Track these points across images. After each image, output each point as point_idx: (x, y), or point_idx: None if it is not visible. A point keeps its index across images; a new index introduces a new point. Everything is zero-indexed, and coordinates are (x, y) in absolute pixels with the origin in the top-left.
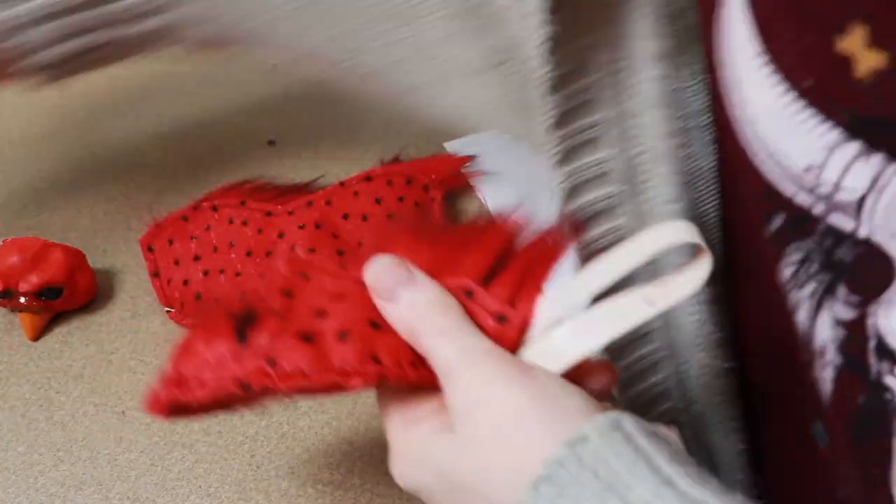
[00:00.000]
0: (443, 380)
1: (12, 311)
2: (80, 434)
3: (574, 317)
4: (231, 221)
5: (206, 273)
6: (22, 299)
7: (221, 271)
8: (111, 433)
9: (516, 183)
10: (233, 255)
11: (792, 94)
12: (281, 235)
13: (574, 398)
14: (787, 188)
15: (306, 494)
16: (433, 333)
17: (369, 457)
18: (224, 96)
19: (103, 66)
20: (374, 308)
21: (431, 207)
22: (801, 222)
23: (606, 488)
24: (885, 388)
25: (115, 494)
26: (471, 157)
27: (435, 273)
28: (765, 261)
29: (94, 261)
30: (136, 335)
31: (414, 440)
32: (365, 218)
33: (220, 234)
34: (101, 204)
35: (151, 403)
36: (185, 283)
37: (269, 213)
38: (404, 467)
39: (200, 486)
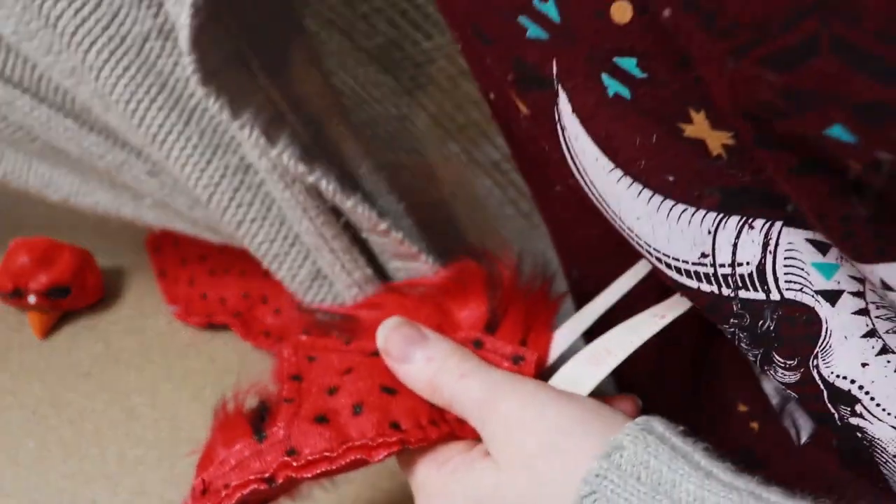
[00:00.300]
0: (476, 417)
1: (22, 310)
2: (89, 430)
3: (593, 343)
4: None
5: (211, 273)
6: (31, 298)
7: (227, 271)
8: (119, 429)
9: None
10: (238, 255)
11: (658, 197)
12: None
13: (610, 412)
14: (691, 283)
15: (308, 488)
16: (456, 379)
17: None
18: None
19: None
20: (385, 374)
21: None
22: (716, 309)
23: (652, 489)
24: (854, 428)
25: (123, 489)
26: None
27: (437, 330)
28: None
29: (102, 261)
30: (143, 334)
31: (447, 476)
32: None
33: None
34: None
35: None
36: (191, 282)
37: None
38: None
39: None
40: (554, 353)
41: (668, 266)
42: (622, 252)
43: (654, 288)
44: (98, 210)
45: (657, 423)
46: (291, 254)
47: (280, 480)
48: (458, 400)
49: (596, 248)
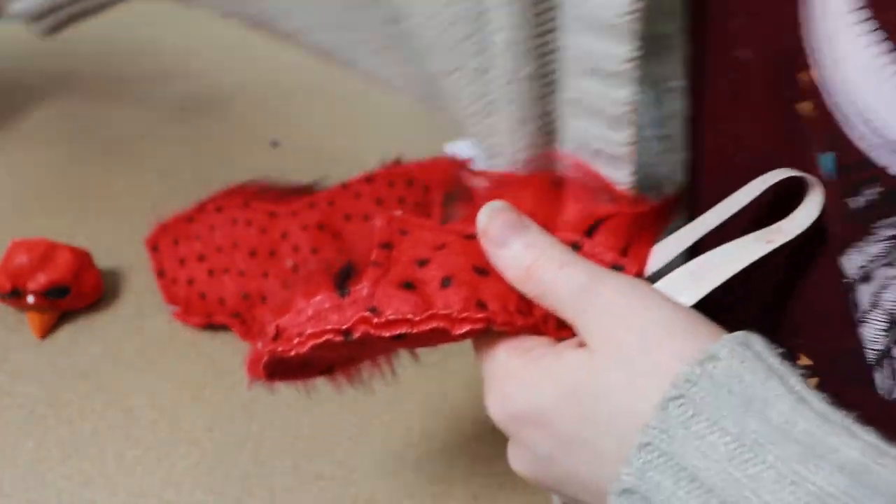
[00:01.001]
0: (572, 307)
1: (20, 310)
2: (87, 431)
3: (695, 259)
4: (235, 222)
5: (210, 273)
6: (30, 298)
7: (226, 271)
8: (118, 430)
9: None
10: (237, 255)
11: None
12: (284, 236)
13: (710, 323)
14: (883, 158)
15: (309, 490)
16: (556, 267)
17: (371, 453)
18: (228, 98)
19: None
20: (477, 255)
21: (432, 209)
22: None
23: (743, 404)
24: None
25: (121, 490)
26: (471, 159)
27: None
28: (831, 242)
29: (101, 261)
30: (141, 334)
31: (531, 363)
32: (367, 218)
33: (224, 234)
34: (108, 205)
35: (251, 363)
36: (190, 282)
37: (272, 214)
38: (513, 390)
39: (205, 482)
40: (652, 267)
41: (870, 132)
42: (779, 158)
43: (768, 209)
44: (319, 50)
45: (756, 340)
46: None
47: (357, 335)
48: (554, 289)
49: (747, 149)
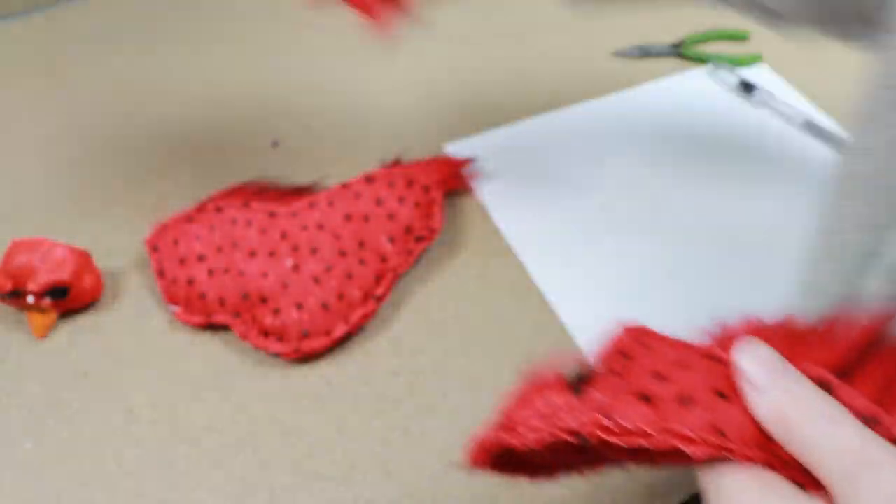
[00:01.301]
0: (839, 472)
1: (20, 310)
2: (86, 431)
3: None
4: (235, 222)
5: (210, 273)
6: (30, 299)
7: (226, 271)
8: (118, 430)
9: (516, 184)
10: (237, 256)
11: None
12: (284, 236)
13: None
14: None
15: (309, 490)
16: (824, 422)
17: (372, 454)
18: (227, 98)
19: None
20: (722, 379)
21: (432, 209)
22: None
23: None
24: None
25: (121, 491)
26: (470, 159)
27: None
28: None
29: (100, 261)
30: (141, 334)
31: (773, 499)
32: (367, 219)
33: (224, 234)
34: (108, 205)
35: (476, 449)
36: (190, 282)
37: (272, 214)
38: None
39: (205, 482)
40: None
41: None
42: None
43: None
44: None
45: None
46: None
47: (589, 439)
48: (818, 445)
49: None
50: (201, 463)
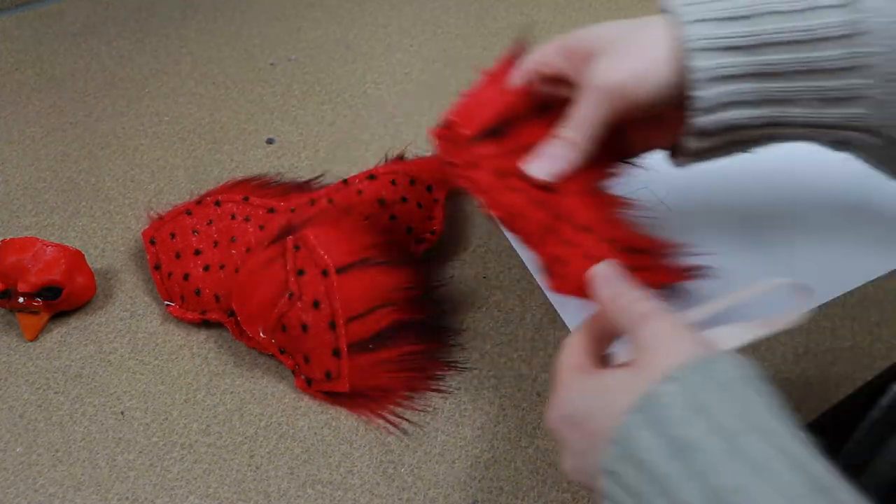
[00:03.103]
0: (634, 323)
1: (11, 311)
2: (78, 434)
3: (718, 328)
4: (233, 217)
5: (206, 268)
6: (20, 299)
7: (222, 266)
8: (110, 433)
9: None
10: (233, 251)
11: None
12: None
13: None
14: None
15: (305, 495)
16: (633, 298)
17: (369, 457)
18: (223, 95)
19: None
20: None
21: (434, 210)
22: None
23: (687, 413)
24: None
25: (113, 495)
26: None
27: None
28: None
29: (93, 261)
30: (134, 335)
31: (581, 376)
32: (367, 217)
33: (221, 228)
34: (100, 203)
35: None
36: (186, 277)
37: (271, 210)
38: (562, 398)
39: (199, 487)
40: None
41: None
42: None
43: None
44: None
45: (721, 360)
46: None
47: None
48: (627, 306)
49: None
50: (195, 467)
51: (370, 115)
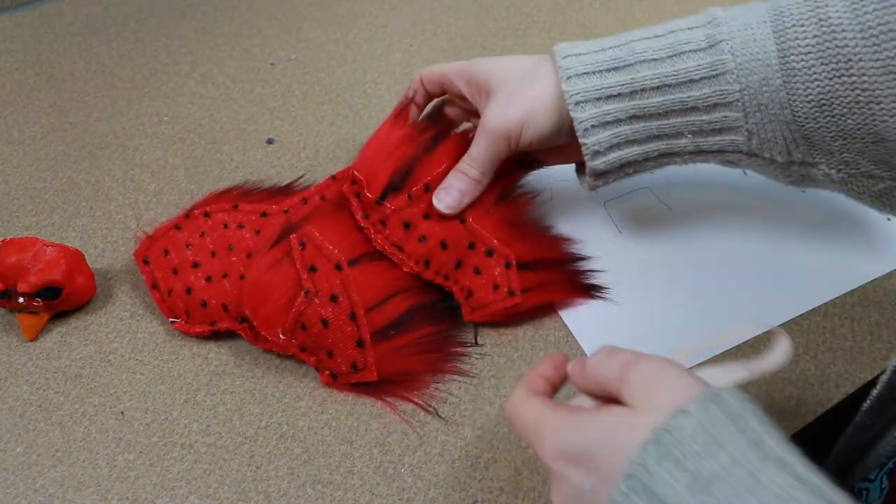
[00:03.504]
0: (616, 381)
1: (11, 311)
2: (78, 434)
3: (703, 370)
4: (226, 226)
5: (208, 279)
6: (20, 299)
7: (224, 275)
8: (110, 434)
9: None
10: (233, 259)
11: None
12: None
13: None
14: None
15: (305, 495)
16: (600, 358)
17: (369, 457)
18: (223, 95)
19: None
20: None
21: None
22: None
23: (706, 446)
24: None
25: (113, 495)
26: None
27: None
28: None
29: (93, 261)
30: (134, 335)
31: (574, 413)
32: None
33: (216, 239)
34: (100, 204)
35: None
36: (189, 291)
37: (264, 214)
38: (562, 432)
39: (199, 487)
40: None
41: None
42: None
43: None
44: None
45: (726, 394)
46: None
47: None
48: (602, 371)
49: None
50: (195, 467)
51: (370, 115)
